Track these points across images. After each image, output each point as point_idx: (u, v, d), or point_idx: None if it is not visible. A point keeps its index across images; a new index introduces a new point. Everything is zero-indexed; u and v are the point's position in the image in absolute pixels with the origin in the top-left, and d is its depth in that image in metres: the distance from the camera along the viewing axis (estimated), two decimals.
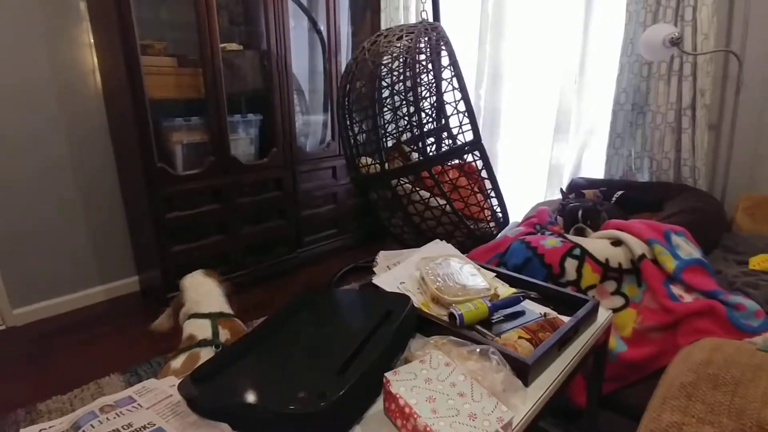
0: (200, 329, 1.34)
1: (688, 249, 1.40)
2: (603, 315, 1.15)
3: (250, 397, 0.77)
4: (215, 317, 1.34)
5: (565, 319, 1.10)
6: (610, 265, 1.40)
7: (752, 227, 1.68)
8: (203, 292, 1.43)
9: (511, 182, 2.59)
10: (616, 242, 1.45)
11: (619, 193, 1.94)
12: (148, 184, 2.04)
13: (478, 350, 0.89)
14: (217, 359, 0.94)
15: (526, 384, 0.87)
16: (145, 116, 1.97)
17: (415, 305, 1.11)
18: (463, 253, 1.41)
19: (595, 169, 2.34)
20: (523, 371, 0.87)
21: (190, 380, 0.84)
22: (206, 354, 1.29)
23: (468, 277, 1.18)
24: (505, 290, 1.21)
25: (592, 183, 2.18)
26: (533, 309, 1.14)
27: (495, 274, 1.30)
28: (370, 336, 0.92)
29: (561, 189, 2.12)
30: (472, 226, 1.92)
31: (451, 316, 1.03)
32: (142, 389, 0.84)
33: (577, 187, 2.15)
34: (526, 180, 2.57)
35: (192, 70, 2.14)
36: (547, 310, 1.15)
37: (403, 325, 0.97)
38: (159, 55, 2.06)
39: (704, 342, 1.16)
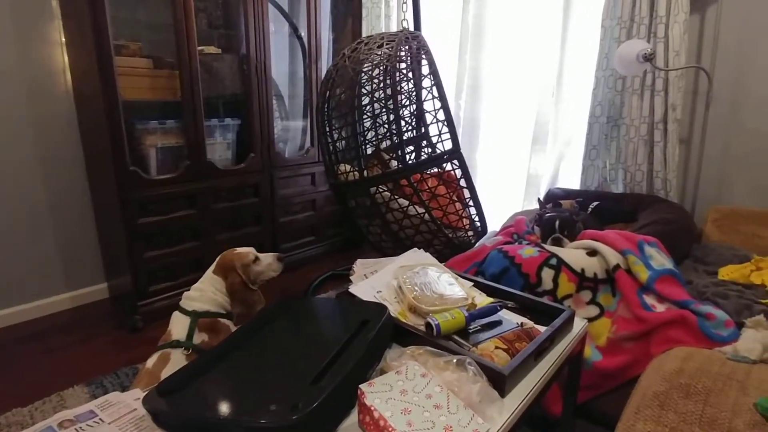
0: (178, 327, 1.30)
1: (661, 259, 1.43)
2: (578, 325, 1.16)
3: (220, 411, 0.74)
4: (195, 316, 1.30)
5: (542, 328, 1.10)
6: (585, 275, 1.42)
7: (720, 238, 1.73)
8: (202, 281, 1.38)
9: (490, 192, 2.61)
10: (592, 252, 1.46)
11: (595, 203, 1.97)
12: (119, 188, 1.97)
13: (454, 360, 0.88)
14: (187, 370, 0.91)
15: (503, 395, 0.87)
16: (117, 118, 1.91)
17: (392, 314, 1.10)
18: (441, 261, 1.40)
19: (571, 179, 2.38)
20: (500, 382, 0.87)
21: (156, 393, 0.80)
22: (176, 357, 1.25)
23: (445, 287, 1.18)
24: (483, 299, 1.21)
25: (568, 193, 2.21)
26: (510, 318, 1.14)
27: (472, 283, 1.30)
28: (346, 346, 0.90)
29: (538, 199, 2.15)
30: (450, 235, 1.93)
31: (428, 325, 1.02)
32: (105, 403, 0.80)
33: (554, 197, 2.19)
34: (504, 189, 2.60)
35: (168, 72, 2.10)
36: (524, 319, 1.15)
37: (379, 334, 0.95)
38: (134, 55, 2.01)
39: (676, 351, 1.18)
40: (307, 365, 0.84)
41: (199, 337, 1.28)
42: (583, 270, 1.42)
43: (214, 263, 1.41)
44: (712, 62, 1.86)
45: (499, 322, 1.12)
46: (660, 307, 1.32)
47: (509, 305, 1.21)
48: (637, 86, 1.99)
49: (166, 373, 1.21)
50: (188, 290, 1.40)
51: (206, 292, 1.35)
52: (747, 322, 1.19)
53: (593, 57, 2.11)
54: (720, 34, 1.83)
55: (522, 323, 1.09)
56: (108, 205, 2.12)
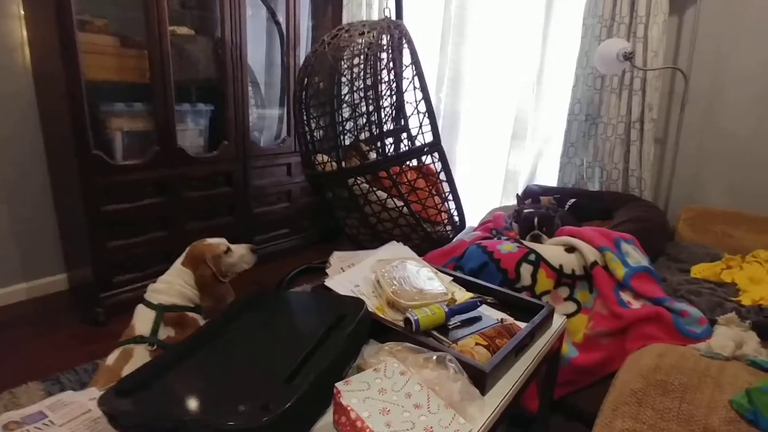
0: (142, 321, 1.22)
1: (637, 256, 1.43)
2: (557, 321, 1.15)
3: (184, 411, 0.69)
4: (161, 310, 1.22)
5: (522, 325, 1.08)
6: (564, 271, 1.41)
7: (693, 237, 1.76)
8: (169, 273, 1.30)
9: (468, 186, 2.60)
10: (570, 249, 1.46)
11: (572, 200, 1.98)
12: (81, 173, 1.86)
13: (434, 357, 0.85)
14: (148, 367, 0.85)
15: (484, 392, 0.84)
16: (80, 98, 1.80)
17: (370, 309, 1.06)
18: (419, 256, 1.37)
19: (549, 176, 2.39)
20: (481, 379, 0.84)
21: (114, 393, 0.74)
22: (139, 353, 1.17)
23: (425, 281, 1.15)
24: (462, 295, 1.18)
25: (545, 190, 2.22)
26: (490, 314, 1.12)
27: (452, 278, 1.27)
28: (321, 342, 0.86)
29: (517, 195, 2.14)
30: (428, 229, 1.90)
31: (407, 321, 0.99)
32: (57, 403, 0.73)
33: (531, 194, 2.19)
34: (482, 185, 2.59)
35: (136, 52, 1.99)
36: (504, 315, 1.13)
37: (356, 330, 0.92)
38: (99, 32, 1.90)
39: (651, 348, 1.18)
40: (279, 362, 0.79)
41: (164, 332, 1.22)
42: (561, 266, 1.42)
43: (183, 254, 1.35)
44: (689, 64, 1.88)
45: (478, 318, 1.09)
46: (636, 304, 1.32)
47: (489, 301, 1.19)
48: (616, 85, 2.01)
49: (127, 371, 1.14)
50: (154, 282, 1.33)
51: (174, 285, 1.28)
52: (719, 319, 1.21)
53: (574, 54, 2.11)
54: (698, 37, 1.85)
55: (502, 319, 1.07)
56: (69, 191, 2.01)
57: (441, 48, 2.53)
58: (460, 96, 2.57)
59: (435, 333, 1.00)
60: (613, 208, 1.92)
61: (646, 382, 1.01)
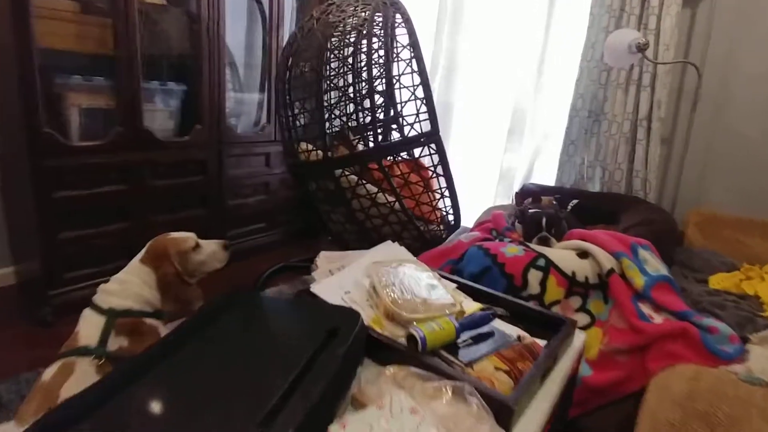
0: (88, 328, 1.02)
1: (655, 264, 1.31)
2: (578, 337, 1.01)
3: None
4: (112, 316, 1.03)
5: (540, 342, 0.93)
6: (576, 279, 1.27)
7: (703, 243, 1.66)
8: (125, 271, 1.11)
9: (460, 184, 2.44)
10: (583, 254, 1.32)
11: (575, 201, 1.85)
12: (30, 154, 1.63)
13: (449, 388, 0.69)
14: (87, 394, 0.66)
15: (509, 430, 0.69)
16: (31, 68, 1.56)
17: (366, 322, 0.89)
18: None
19: (546, 175, 2.26)
20: (505, 415, 0.68)
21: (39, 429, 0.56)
22: (82, 368, 0.97)
23: (428, 289, 0.98)
24: (470, 305, 1.02)
25: (543, 190, 2.09)
26: (502, 329, 0.97)
27: (456, 284, 1.11)
28: (308, 366, 0.69)
29: (516, 194, 2.00)
30: (422, 228, 1.74)
31: (411, 338, 0.82)
32: None
33: (528, 193, 2.05)
34: (476, 182, 2.45)
35: (99, 20, 1.76)
36: (519, 330, 0.98)
37: (351, 351, 0.74)
38: None
39: (680, 369, 1.05)
40: (255, 395, 0.62)
41: (115, 342, 1.02)
42: (573, 273, 1.28)
43: (143, 249, 1.15)
44: (701, 59, 1.77)
45: (491, 334, 0.94)
46: (657, 318, 1.19)
47: (499, 312, 1.04)
48: (623, 80, 1.89)
49: (67, 390, 0.94)
50: (107, 281, 1.13)
51: (129, 285, 1.08)
52: (752, 337, 1.09)
53: (578, 46, 1.98)
54: (712, 31, 1.74)
55: (519, 336, 0.92)
56: (16, 174, 1.77)
57: (435, 35, 2.37)
58: (454, 87, 2.42)
59: (443, 353, 0.84)
60: (617, 210, 1.80)
61: (684, 412, 0.87)
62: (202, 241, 1.14)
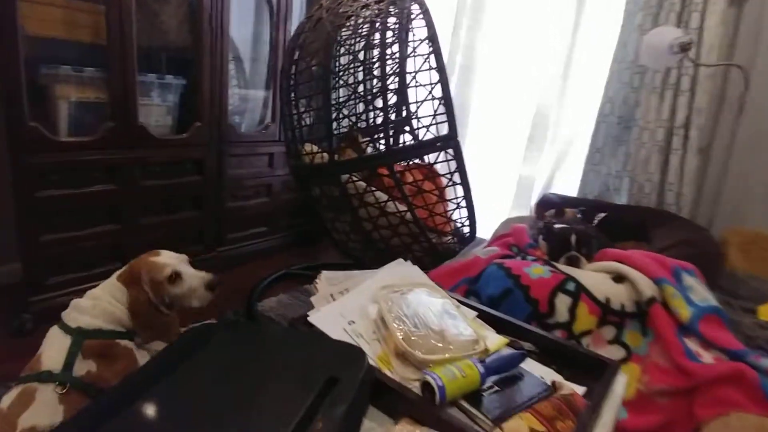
0: (53, 350, 0.89)
1: (702, 292, 1.15)
2: (619, 382, 0.85)
3: None
4: (80, 336, 0.90)
5: (576, 387, 0.79)
6: (610, 307, 1.12)
7: (746, 267, 1.49)
8: (101, 286, 0.99)
9: (474, 192, 2.30)
10: (618, 278, 1.17)
11: (601, 215, 1.69)
12: (12, 148, 1.50)
13: None
14: None
15: None
16: (15, 56, 1.44)
17: (371, 361, 0.75)
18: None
19: (567, 185, 2.10)
20: None
21: None
22: (44, 396, 0.84)
23: (446, 320, 0.83)
24: (494, 339, 0.88)
25: (565, 201, 1.93)
26: (531, 370, 0.82)
27: (476, 313, 0.97)
28: (301, 426, 0.54)
29: (536, 204, 1.85)
30: (434, 240, 1.59)
31: (427, 386, 0.68)
32: None
33: (550, 204, 1.90)
34: (491, 191, 2.29)
35: (91, 6, 1.63)
36: (552, 374, 0.83)
37: (354, 406, 0.60)
38: None
39: (739, 421, 0.89)
40: None
41: (83, 367, 0.89)
42: (608, 300, 1.13)
43: (126, 265, 1.02)
44: (749, 63, 1.61)
45: (519, 377, 0.79)
46: (706, 356, 1.04)
47: (526, 347, 0.89)
48: (658, 84, 1.73)
49: (26, 421, 0.82)
50: (80, 297, 1.00)
51: (101, 302, 0.95)
52: None
53: (609, 46, 1.83)
54: (762, 31, 1.58)
55: (554, 383, 0.77)
56: (1, 170, 1.64)
57: (453, 31, 2.23)
58: (471, 87, 2.27)
59: (465, 404, 0.69)
60: (648, 225, 1.64)
61: None
62: (186, 272, 0.98)
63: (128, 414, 0.56)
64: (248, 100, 2.43)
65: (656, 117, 1.74)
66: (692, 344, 1.05)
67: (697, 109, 1.65)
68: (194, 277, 0.97)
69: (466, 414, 0.69)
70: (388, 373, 0.73)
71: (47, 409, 0.85)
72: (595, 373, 0.81)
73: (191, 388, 0.62)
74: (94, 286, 1.01)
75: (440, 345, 0.76)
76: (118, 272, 1.01)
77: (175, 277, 0.94)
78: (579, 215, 1.73)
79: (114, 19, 1.64)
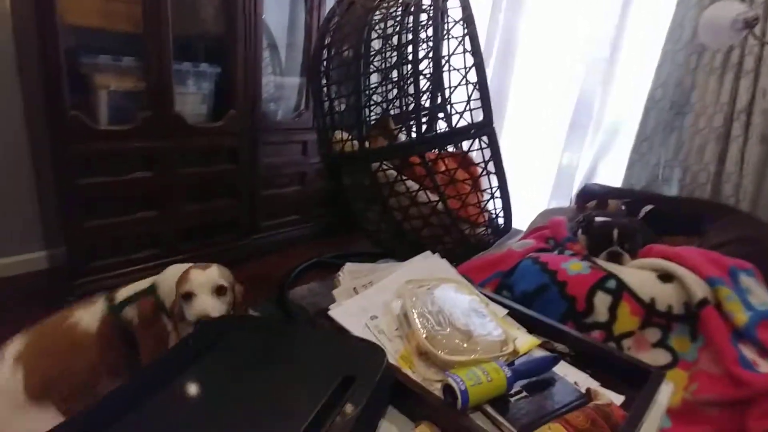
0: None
1: (762, 295, 1.05)
2: (664, 392, 0.78)
3: None
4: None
5: (614, 396, 0.73)
6: (655, 308, 1.04)
7: None
8: None
9: (510, 181, 2.21)
10: (665, 276, 1.08)
11: (648, 207, 1.58)
12: (54, 138, 1.56)
13: None
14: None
15: None
16: (54, 46, 1.48)
17: (391, 359, 0.71)
18: (451, 264, 1.02)
19: (611, 175, 1.98)
20: None
21: None
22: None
23: (474, 319, 0.79)
24: (525, 340, 0.82)
25: (609, 191, 1.82)
26: (563, 375, 0.76)
27: (507, 310, 0.91)
28: (315, 425, 0.52)
29: (577, 195, 1.75)
30: (467, 231, 1.54)
31: (449, 390, 0.64)
32: None
33: (592, 195, 1.79)
34: (528, 179, 2.20)
35: None
36: (585, 377, 0.77)
37: (370, 407, 0.57)
38: None
39: None
40: None
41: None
42: (653, 300, 1.04)
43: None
44: None
45: (550, 382, 0.74)
46: (764, 365, 0.94)
47: (559, 349, 0.83)
48: (718, 64, 1.58)
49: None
50: (121, 281, 1.05)
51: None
52: None
53: (663, 26, 1.69)
54: None
55: (589, 390, 0.71)
56: (44, 159, 1.71)
57: (491, 13, 2.13)
58: (509, 72, 2.17)
59: (489, 410, 0.65)
60: (702, 220, 1.52)
61: None
62: (200, 295, 0.90)
63: (141, 409, 0.55)
64: (284, 87, 2.42)
65: (714, 101, 1.60)
66: (748, 352, 0.96)
67: (762, 91, 1.50)
68: (204, 303, 0.89)
69: (491, 420, 0.64)
70: (410, 373, 0.70)
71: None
72: (636, 381, 0.74)
73: (204, 384, 0.61)
74: (134, 271, 1.04)
75: (465, 345, 0.72)
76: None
77: (190, 295, 0.90)
78: (623, 207, 1.63)
79: (150, 8, 1.65)
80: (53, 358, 0.91)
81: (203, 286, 0.90)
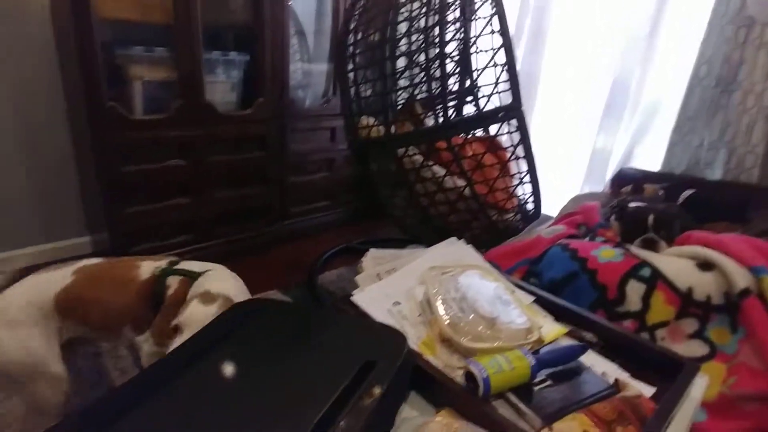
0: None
1: None
2: (698, 385, 0.75)
3: None
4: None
5: (644, 388, 0.70)
6: (693, 298, 1.00)
7: None
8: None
9: (541, 165, 2.15)
10: (705, 265, 1.03)
11: (689, 192, 1.51)
12: (94, 128, 1.62)
13: None
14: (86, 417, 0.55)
15: None
16: (91, 39, 1.53)
17: (413, 345, 0.71)
18: (478, 250, 1.00)
19: (649, 159, 1.90)
20: None
21: None
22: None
23: (499, 306, 0.78)
24: (551, 328, 0.81)
25: (646, 176, 1.74)
26: (591, 365, 0.74)
27: (534, 297, 0.90)
28: (330, 414, 0.53)
29: (611, 180, 1.69)
30: (494, 217, 1.51)
31: (470, 377, 0.64)
32: None
33: (628, 180, 1.73)
34: (560, 165, 2.13)
35: None
36: (613, 367, 0.75)
37: (390, 394, 0.57)
38: None
39: None
40: None
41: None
42: (690, 289, 1.00)
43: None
44: None
45: (576, 372, 0.72)
46: None
47: (587, 338, 0.81)
48: None
49: None
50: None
51: None
52: None
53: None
54: None
55: (618, 381, 0.69)
56: (85, 149, 1.79)
57: None
58: (541, 53, 2.10)
59: (513, 398, 0.64)
60: (748, 206, 1.44)
61: None
62: (193, 310, 0.81)
63: (163, 391, 0.57)
64: (312, 74, 2.42)
65: (764, 77, 1.50)
66: None
67: None
68: (194, 314, 0.80)
69: (514, 408, 0.64)
70: (432, 360, 0.70)
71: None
72: (669, 373, 0.71)
73: (227, 365, 0.63)
74: (171, 255, 1.07)
75: (489, 333, 0.71)
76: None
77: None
78: (661, 192, 1.56)
79: None
80: (100, 285, 0.94)
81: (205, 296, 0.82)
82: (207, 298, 0.82)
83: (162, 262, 0.98)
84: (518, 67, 2.10)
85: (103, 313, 0.93)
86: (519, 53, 2.15)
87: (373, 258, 0.92)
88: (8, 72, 1.71)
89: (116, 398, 0.59)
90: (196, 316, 0.78)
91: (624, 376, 0.72)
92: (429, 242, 1.04)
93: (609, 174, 1.92)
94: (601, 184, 1.94)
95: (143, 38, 1.72)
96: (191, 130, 1.84)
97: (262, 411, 0.54)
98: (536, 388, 0.67)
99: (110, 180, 1.69)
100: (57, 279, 0.92)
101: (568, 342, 0.78)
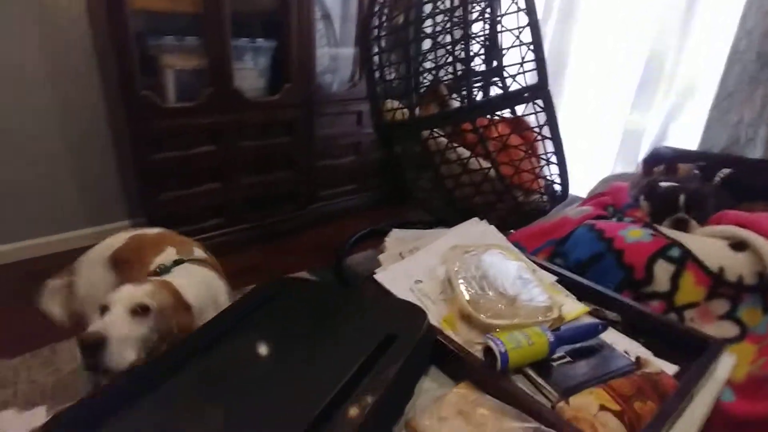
0: None
1: None
2: (724, 364, 0.75)
3: None
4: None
5: (666, 366, 0.70)
6: (724, 278, 0.97)
7: None
8: None
9: (571, 146, 2.11)
10: (738, 245, 1.00)
11: (726, 171, 1.45)
12: (129, 117, 1.69)
13: None
14: (103, 399, 0.60)
15: None
16: (124, 29, 1.59)
17: (435, 322, 0.73)
18: (502, 231, 1.01)
19: (684, 138, 1.83)
20: None
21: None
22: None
23: (519, 285, 0.79)
24: (573, 307, 0.81)
25: (681, 155, 1.68)
26: (612, 342, 0.75)
27: (556, 278, 0.90)
28: (351, 384, 0.55)
29: (644, 160, 1.65)
30: (520, 199, 1.50)
31: (489, 352, 0.65)
32: None
33: (661, 159, 1.67)
34: (592, 145, 2.08)
35: None
36: (636, 345, 0.75)
37: (408, 366, 0.60)
38: None
39: None
40: (289, 411, 0.51)
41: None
42: (721, 270, 0.98)
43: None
44: None
45: (596, 349, 0.73)
46: None
47: (610, 317, 0.81)
48: None
49: None
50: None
51: None
52: None
53: None
54: None
55: (638, 358, 0.69)
56: (122, 137, 1.87)
57: None
58: (570, 31, 2.03)
59: (531, 373, 0.66)
60: None
61: None
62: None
63: (186, 367, 0.61)
64: (338, 58, 2.44)
65: None
66: None
67: None
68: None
69: (532, 383, 0.65)
70: (452, 335, 0.71)
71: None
72: (694, 352, 0.71)
73: (252, 341, 0.66)
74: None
75: (508, 310, 0.72)
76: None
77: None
78: (696, 172, 1.51)
79: None
80: (138, 251, 1.03)
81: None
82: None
83: (172, 258, 0.97)
84: (547, 45, 2.07)
85: (136, 277, 0.98)
86: (548, 31, 2.10)
87: (396, 238, 0.94)
88: (50, 66, 1.80)
89: (148, 370, 0.64)
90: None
91: (647, 354, 0.72)
92: (454, 224, 1.05)
93: (642, 154, 1.86)
94: (633, 165, 1.89)
95: (174, 28, 1.77)
96: (221, 117, 1.89)
97: (287, 380, 0.57)
98: (555, 363, 0.68)
99: (145, 167, 1.76)
100: (115, 242, 1.08)
101: (588, 320, 0.78)
